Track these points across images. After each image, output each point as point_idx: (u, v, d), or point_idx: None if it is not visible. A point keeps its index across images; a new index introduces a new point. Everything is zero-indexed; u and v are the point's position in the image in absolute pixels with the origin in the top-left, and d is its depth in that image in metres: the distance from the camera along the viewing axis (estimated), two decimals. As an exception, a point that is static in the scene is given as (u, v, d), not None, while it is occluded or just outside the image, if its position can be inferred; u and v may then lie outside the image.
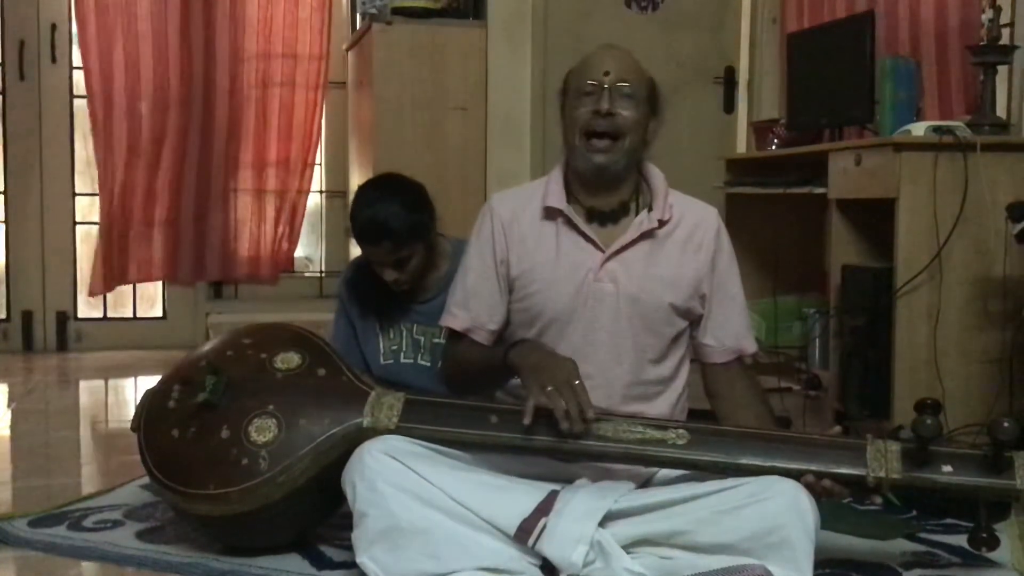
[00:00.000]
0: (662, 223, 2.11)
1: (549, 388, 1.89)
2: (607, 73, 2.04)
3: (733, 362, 2.19)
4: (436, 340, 2.62)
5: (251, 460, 2.00)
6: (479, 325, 2.17)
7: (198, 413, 2.08)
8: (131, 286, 5.14)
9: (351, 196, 2.71)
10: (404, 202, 2.54)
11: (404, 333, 2.68)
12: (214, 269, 5.08)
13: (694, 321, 2.17)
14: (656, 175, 2.17)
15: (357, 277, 2.73)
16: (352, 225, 2.60)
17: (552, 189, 2.15)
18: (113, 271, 4.85)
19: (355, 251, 2.68)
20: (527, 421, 1.88)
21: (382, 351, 2.70)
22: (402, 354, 2.69)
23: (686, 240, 2.14)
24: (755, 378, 2.28)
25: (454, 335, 2.21)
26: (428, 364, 2.64)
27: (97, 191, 4.90)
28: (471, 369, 2.18)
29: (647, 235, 2.11)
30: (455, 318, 2.20)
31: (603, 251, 2.10)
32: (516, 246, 2.14)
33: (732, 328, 2.18)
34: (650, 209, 2.13)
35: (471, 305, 2.18)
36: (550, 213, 2.14)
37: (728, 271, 2.18)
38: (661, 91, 2.14)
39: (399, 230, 2.51)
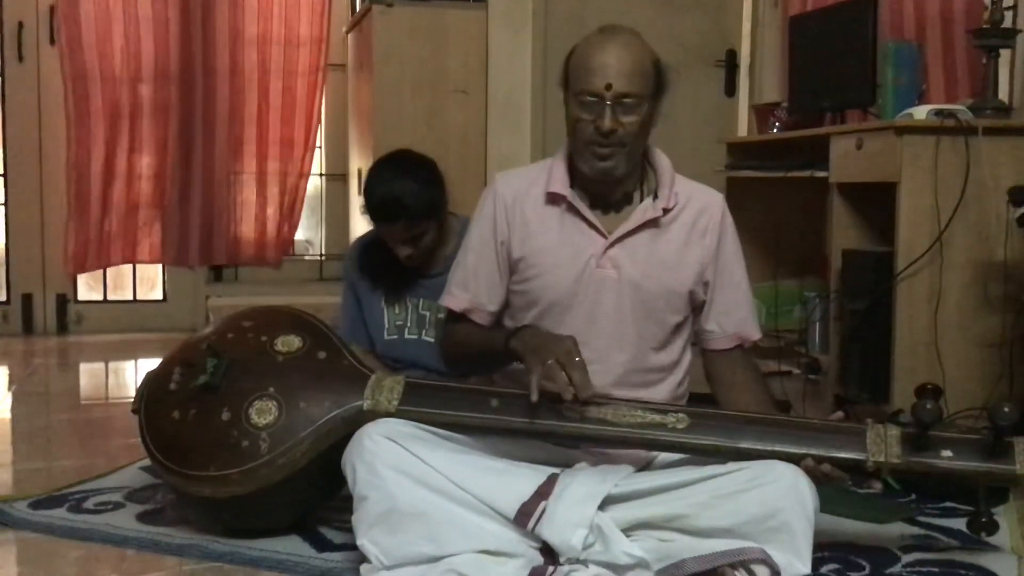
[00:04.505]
0: (666, 211, 2.10)
1: (550, 362, 1.89)
2: (609, 87, 1.97)
3: (734, 348, 2.18)
4: (441, 315, 2.62)
5: (252, 442, 2.00)
6: (478, 306, 2.17)
7: (199, 395, 2.08)
8: (131, 268, 5.15)
9: (351, 179, 2.72)
10: (418, 179, 2.56)
11: (410, 308, 2.69)
12: (215, 252, 5.08)
13: (697, 307, 2.16)
14: (662, 161, 2.14)
15: (362, 255, 2.74)
16: (367, 203, 2.60)
17: (556, 174, 2.13)
18: (95, 251, 4.85)
19: (356, 233, 2.68)
20: (535, 398, 1.87)
21: (387, 326, 2.71)
22: (407, 330, 2.70)
23: (691, 226, 2.12)
24: (755, 363, 2.27)
25: (453, 314, 2.21)
26: (432, 340, 2.64)
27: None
28: (470, 350, 2.18)
29: (651, 222, 2.09)
30: (455, 298, 2.19)
31: (606, 237, 2.09)
32: (518, 228, 2.13)
33: (735, 314, 2.16)
34: (655, 196, 2.11)
35: (471, 286, 2.17)
36: (553, 198, 2.12)
37: (733, 257, 2.16)
38: (664, 68, 2.06)
39: (415, 207, 2.53)
